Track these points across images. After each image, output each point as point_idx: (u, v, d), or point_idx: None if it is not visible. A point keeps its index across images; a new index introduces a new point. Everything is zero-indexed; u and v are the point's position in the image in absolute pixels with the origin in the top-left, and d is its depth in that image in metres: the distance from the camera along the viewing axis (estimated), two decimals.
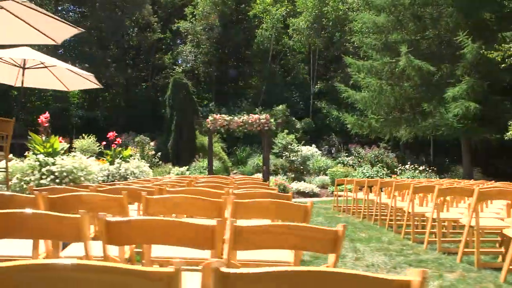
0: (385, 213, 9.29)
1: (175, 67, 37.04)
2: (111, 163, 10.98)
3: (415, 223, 7.37)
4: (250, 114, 17.24)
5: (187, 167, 21.62)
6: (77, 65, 37.23)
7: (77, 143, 20.01)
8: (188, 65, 38.38)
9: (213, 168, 21.43)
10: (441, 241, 6.34)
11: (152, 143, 23.89)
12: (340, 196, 12.51)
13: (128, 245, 3.18)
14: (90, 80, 10.18)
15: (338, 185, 12.65)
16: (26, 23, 7.15)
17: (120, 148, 11.46)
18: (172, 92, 26.68)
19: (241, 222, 2.34)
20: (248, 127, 16.91)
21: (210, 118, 17.05)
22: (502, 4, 19.10)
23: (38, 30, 7.39)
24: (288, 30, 35.71)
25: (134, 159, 11.60)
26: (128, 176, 10.66)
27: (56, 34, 7.69)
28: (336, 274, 1.34)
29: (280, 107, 31.25)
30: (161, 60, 37.80)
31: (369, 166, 21.78)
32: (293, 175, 22.44)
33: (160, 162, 22.22)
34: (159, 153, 22.08)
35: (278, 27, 35.27)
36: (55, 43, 7.87)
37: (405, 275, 1.33)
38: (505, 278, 4.71)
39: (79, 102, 39.19)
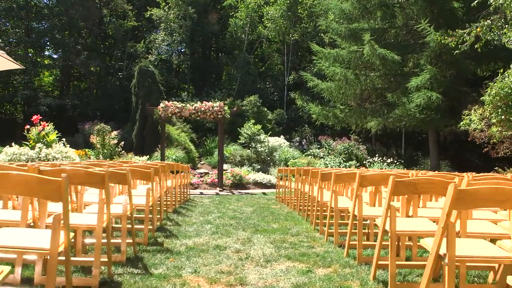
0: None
1: (148, 55, 36.18)
2: (32, 147, 10.28)
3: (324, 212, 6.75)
4: (204, 102, 16.55)
5: (148, 156, 20.97)
6: (48, 51, 36.67)
7: (34, 130, 19.48)
8: (160, 53, 37.52)
9: (175, 158, 20.83)
10: (340, 232, 5.73)
11: (115, 132, 23.08)
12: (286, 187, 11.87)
13: None
14: (5, 58, 9.43)
15: (281, 174, 12.04)
16: None
17: (44, 133, 10.74)
18: (138, 80, 25.90)
19: None
20: (201, 114, 16.26)
21: (161, 105, 16.37)
22: None
23: None
24: (263, 19, 35.01)
25: (61, 144, 10.89)
26: (49, 161, 9.96)
27: None
28: None
29: (252, 97, 30.60)
30: (133, 49, 36.90)
31: (332, 157, 21.26)
32: (259, 166, 21.89)
33: (123, 151, 21.53)
34: (122, 142, 21.37)
35: (252, 15, 34.54)
36: None
37: None
38: (375, 275, 4.09)
39: (49, 90, 38.35)
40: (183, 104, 16.46)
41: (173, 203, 8.80)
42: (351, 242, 5.05)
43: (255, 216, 8.46)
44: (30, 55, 34.45)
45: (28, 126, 11.12)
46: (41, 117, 11.21)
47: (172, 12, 34.71)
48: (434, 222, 4.16)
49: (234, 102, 30.05)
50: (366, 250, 5.27)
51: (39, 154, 9.99)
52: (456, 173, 6.93)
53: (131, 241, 4.87)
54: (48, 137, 10.76)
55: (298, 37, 34.29)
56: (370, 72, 20.83)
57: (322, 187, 6.55)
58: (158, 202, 7.17)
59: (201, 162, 25.08)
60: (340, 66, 20.80)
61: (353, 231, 5.13)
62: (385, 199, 4.02)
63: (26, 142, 11.16)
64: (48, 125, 20.81)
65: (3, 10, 32.10)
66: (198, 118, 16.67)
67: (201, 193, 14.36)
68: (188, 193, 12.12)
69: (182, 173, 10.85)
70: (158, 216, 6.84)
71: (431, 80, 16.93)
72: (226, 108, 16.35)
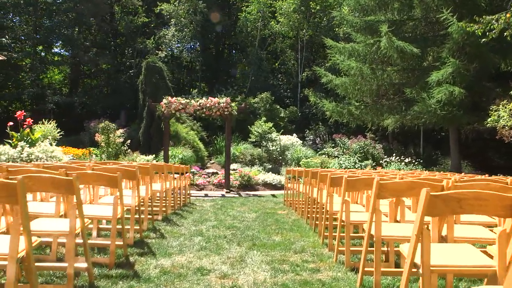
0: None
1: (158, 52, 35.21)
2: (14, 146, 9.32)
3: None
4: (209, 98, 15.54)
5: (154, 155, 20.09)
6: (56, 48, 35.93)
7: (37, 128, 18.84)
8: (169, 50, 36.54)
9: (182, 157, 19.88)
10: (352, 251, 4.65)
11: (121, 130, 22.13)
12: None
13: None
14: None
15: (289, 175, 10.97)
16: None
17: (28, 130, 9.77)
18: (145, 76, 24.98)
19: None
20: (206, 111, 15.25)
21: (164, 101, 15.39)
22: None
23: None
24: (276, 15, 33.95)
25: (47, 142, 9.92)
26: (31, 161, 9.00)
27: None
28: None
29: (264, 94, 29.61)
30: (143, 45, 36.02)
31: (347, 156, 20.17)
32: (270, 166, 20.96)
33: (129, 150, 20.69)
34: (129, 141, 20.52)
35: (264, 11, 33.46)
36: None
37: None
38: None
39: (58, 88, 37.67)
40: (187, 100, 15.48)
41: (164, 209, 7.77)
42: (366, 268, 3.95)
43: (256, 225, 7.40)
44: (39, 51, 33.73)
45: (11, 123, 10.18)
46: (25, 113, 10.26)
47: (183, 7, 33.81)
48: (474, 244, 3.06)
49: (246, 99, 29.08)
50: (385, 278, 4.17)
51: (21, 153, 9.03)
52: (500, 177, 5.80)
53: (86, 265, 3.83)
54: (33, 135, 9.80)
55: (312, 32, 33.14)
56: (387, 66, 19.69)
57: (331, 193, 5.45)
58: (142, 208, 6.18)
59: (210, 162, 24.21)
60: (355, 60, 19.67)
61: (369, 249, 4.08)
62: (415, 213, 2.95)
63: (9, 140, 10.22)
64: (51, 123, 20.13)
65: (10, 6, 31.40)
66: (203, 115, 15.71)
67: (206, 195, 13.40)
68: (188, 195, 11.11)
69: (179, 175, 9.85)
70: (137, 227, 5.80)
71: (454, 74, 15.74)
72: (233, 104, 15.35)
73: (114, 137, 20.15)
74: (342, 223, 4.84)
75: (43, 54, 34.26)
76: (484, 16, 11.05)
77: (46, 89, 33.67)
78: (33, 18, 33.25)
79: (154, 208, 7.76)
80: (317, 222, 6.72)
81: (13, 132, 10.10)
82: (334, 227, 5.57)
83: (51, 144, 10.06)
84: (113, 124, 21.06)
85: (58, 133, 19.80)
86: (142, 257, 4.86)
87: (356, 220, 4.70)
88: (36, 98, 31.98)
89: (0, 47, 30.07)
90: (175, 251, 5.21)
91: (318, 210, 6.71)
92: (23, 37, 33.19)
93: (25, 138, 9.63)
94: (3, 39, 30.50)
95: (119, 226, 4.78)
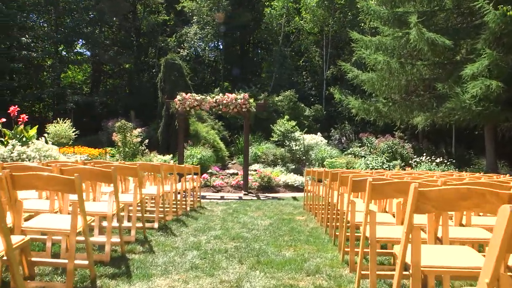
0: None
1: (180, 50, 34.47)
2: (6, 145, 8.50)
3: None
4: (226, 94, 14.58)
5: (171, 155, 19.35)
6: (77, 47, 35.49)
7: (51, 128, 18.35)
8: (192, 48, 35.78)
9: (201, 157, 19.02)
10: (379, 275, 3.61)
11: (138, 129, 21.36)
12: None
13: None
14: None
15: (308, 177, 9.93)
16: None
17: (22, 128, 8.94)
18: (164, 74, 24.20)
19: None
20: (222, 108, 14.31)
21: (178, 97, 14.51)
22: None
23: None
24: (300, 10, 32.95)
25: (42, 140, 9.08)
26: (23, 161, 8.16)
27: None
28: None
29: (288, 92, 28.62)
30: (164, 43, 35.37)
31: (374, 156, 19.02)
32: (293, 166, 20.00)
33: (146, 150, 20.01)
34: (147, 141, 19.84)
35: (289, 7, 32.48)
36: None
37: None
38: None
39: (78, 87, 37.30)
40: (203, 97, 14.54)
41: (161, 215, 6.81)
42: None
43: (267, 234, 6.36)
44: (59, 50, 33.34)
45: (3, 120, 9.33)
46: (18, 109, 9.44)
47: (205, 4, 33.01)
48: None
49: (269, 97, 28.14)
50: None
51: (12, 152, 8.19)
52: None
53: None
54: (27, 132, 8.97)
55: (337, 28, 32.00)
56: (416, 60, 18.44)
57: (353, 200, 4.41)
58: (130, 214, 5.22)
59: (232, 162, 23.42)
60: (382, 54, 18.50)
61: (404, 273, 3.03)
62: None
63: (1, 139, 9.39)
64: (66, 122, 19.48)
65: (31, 5, 31.04)
66: (220, 112, 14.76)
67: (222, 197, 12.44)
68: (198, 198, 10.15)
69: (184, 176, 8.90)
70: (118, 240, 4.83)
71: (490, 67, 14.42)
72: (251, 100, 14.36)
73: (131, 137, 19.46)
74: (366, 238, 3.80)
75: (64, 53, 33.87)
76: None
77: (67, 88, 33.30)
78: (53, 17, 32.88)
79: (151, 215, 6.82)
80: (337, 233, 5.67)
81: (5, 130, 9.30)
82: (357, 239, 4.54)
83: (46, 143, 9.23)
84: (130, 123, 20.33)
85: (73, 132, 19.22)
86: (114, 279, 3.88)
87: (385, 237, 3.63)
88: (57, 98, 31.63)
89: (20, 46, 29.75)
90: (158, 271, 4.22)
91: (339, 218, 5.65)
92: (45, 37, 32.81)
93: (18, 136, 8.83)
94: (23, 38, 30.12)
95: (81, 238, 3.81)
